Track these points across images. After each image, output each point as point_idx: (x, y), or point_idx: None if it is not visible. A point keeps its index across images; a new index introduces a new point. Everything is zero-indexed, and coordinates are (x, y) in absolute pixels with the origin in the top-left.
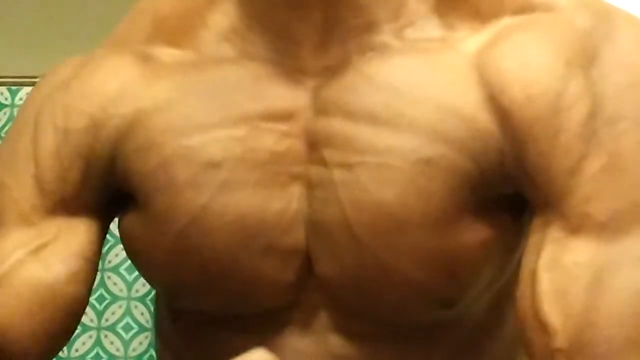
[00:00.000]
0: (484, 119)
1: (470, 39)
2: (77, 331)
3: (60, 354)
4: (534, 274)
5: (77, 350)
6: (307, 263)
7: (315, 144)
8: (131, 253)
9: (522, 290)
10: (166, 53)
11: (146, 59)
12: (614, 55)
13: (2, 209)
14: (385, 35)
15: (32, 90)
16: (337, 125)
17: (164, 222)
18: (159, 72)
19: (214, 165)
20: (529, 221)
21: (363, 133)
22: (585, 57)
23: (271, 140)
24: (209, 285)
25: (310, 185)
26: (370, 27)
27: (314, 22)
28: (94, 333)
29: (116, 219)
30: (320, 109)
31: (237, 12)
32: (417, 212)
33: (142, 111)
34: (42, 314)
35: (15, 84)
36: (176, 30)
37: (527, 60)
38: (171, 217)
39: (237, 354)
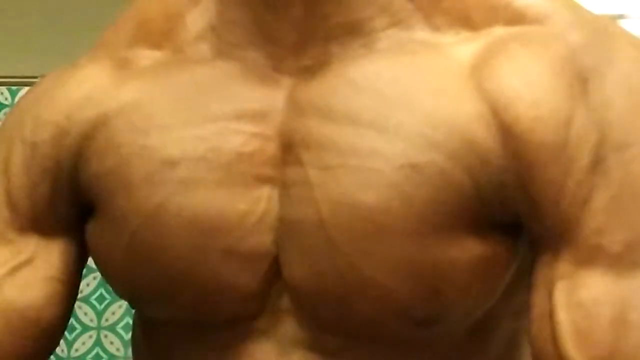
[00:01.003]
0: (482, 133)
1: (461, 46)
2: (77, 331)
3: (60, 354)
4: (551, 315)
5: (77, 350)
6: (275, 268)
7: (290, 146)
8: (94, 260)
9: (539, 331)
10: (145, 56)
11: (123, 65)
12: (615, 79)
13: None
14: (369, 35)
15: (14, 107)
16: (314, 126)
17: (119, 223)
18: (130, 75)
19: (171, 163)
20: (524, 248)
21: (343, 135)
22: (583, 79)
23: (238, 141)
24: (166, 290)
25: (284, 187)
26: (353, 26)
27: (293, 20)
28: (94, 333)
29: None
30: (296, 109)
31: (214, 9)
32: (399, 218)
33: (105, 114)
34: (12, 340)
35: (15, 83)
36: (158, 32)
37: (530, 78)
38: (126, 218)
39: None
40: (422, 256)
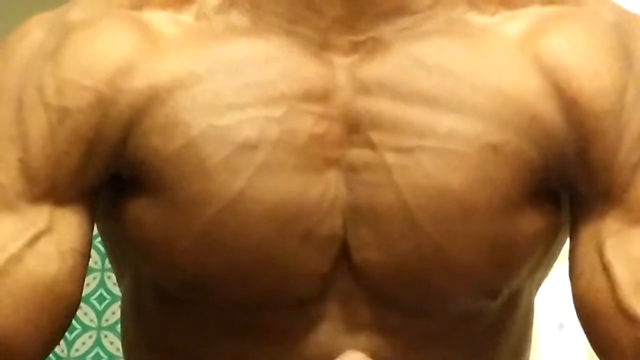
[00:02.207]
0: (546, 108)
1: (506, 25)
2: (77, 331)
3: (60, 353)
4: (606, 269)
5: (77, 350)
6: (342, 251)
7: (356, 126)
8: (141, 243)
9: (589, 284)
10: (165, 19)
11: (143, 26)
12: None
13: None
14: (416, 14)
15: (1, 49)
16: (385, 107)
17: (193, 208)
18: (169, 43)
19: (250, 147)
20: (570, 214)
21: (419, 116)
22: (629, 52)
23: (309, 122)
24: (243, 275)
25: (352, 170)
26: (401, 3)
27: None
28: (94, 333)
29: None
30: (361, 89)
31: None
32: (483, 198)
33: (160, 87)
34: (41, 316)
35: None
36: None
37: (587, 52)
38: (202, 203)
39: (257, 348)
40: (500, 232)
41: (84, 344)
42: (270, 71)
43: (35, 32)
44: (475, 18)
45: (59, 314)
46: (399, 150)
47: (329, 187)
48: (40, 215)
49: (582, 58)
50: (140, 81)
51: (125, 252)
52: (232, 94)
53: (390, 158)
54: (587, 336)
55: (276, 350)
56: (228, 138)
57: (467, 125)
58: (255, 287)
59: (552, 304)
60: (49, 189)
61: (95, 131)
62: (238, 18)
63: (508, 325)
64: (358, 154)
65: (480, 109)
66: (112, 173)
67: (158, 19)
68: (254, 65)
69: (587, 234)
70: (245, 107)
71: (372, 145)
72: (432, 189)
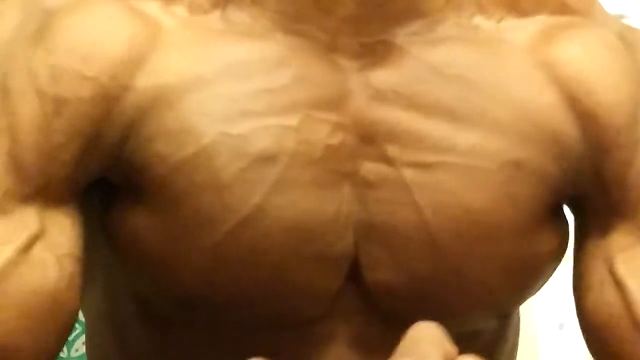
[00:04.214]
0: (563, 121)
1: (515, 32)
2: (77, 331)
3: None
4: (619, 283)
5: (77, 350)
6: (353, 269)
7: (370, 138)
8: (140, 256)
9: (600, 297)
10: (155, 8)
11: (138, 14)
12: None
13: None
14: (427, 16)
15: None
16: (402, 118)
17: (203, 222)
18: (166, 36)
19: (266, 158)
20: (576, 226)
21: (438, 129)
22: (636, 66)
23: (324, 132)
24: (248, 295)
25: (366, 185)
26: (413, 4)
27: None
28: None
29: None
30: (375, 96)
31: None
32: (507, 218)
33: (166, 87)
34: (43, 325)
35: None
36: None
37: (603, 63)
38: (214, 218)
39: None
40: (520, 252)
41: (84, 343)
42: (283, 76)
43: (7, 13)
44: (483, 23)
45: (61, 322)
46: (418, 165)
47: (342, 203)
48: (29, 217)
49: (600, 70)
50: (145, 79)
51: (99, 260)
52: (245, 100)
53: (409, 174)
54: (593, 347)
55: None
56: (243, 148)
57: (489, 140)
58: (262, 307)
59: (552, 304)
60: (41, 187)
61: (96, 126)
62: (236, 13)
63: (504, 336)
64: (372, 168)
65: (502, 123)
66: (102, 176)
67: (151, 8)
68: (265, 68)
69: (595, 247)
70: (259, 115)
71: (388, 160)
72: (454, 208)
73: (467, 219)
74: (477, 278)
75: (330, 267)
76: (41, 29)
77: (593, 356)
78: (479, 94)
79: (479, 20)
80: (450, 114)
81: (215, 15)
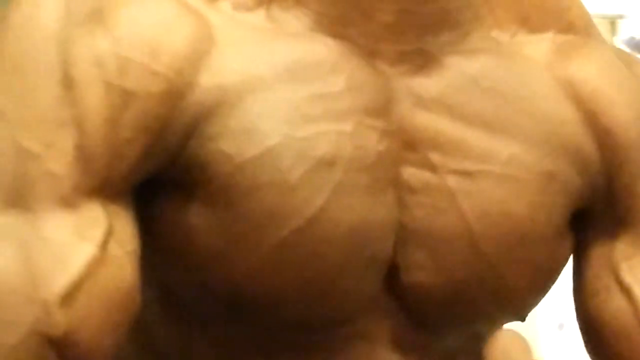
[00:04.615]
0: (584, 136)
1: (529, 47)
2: None
3: None
4: (627, 291)
5: None
6: (391, 272)
7: (412, 144)
8: (192, 254)
9: (608, 304)
10: (200, 4)
11: (191, 11)
12: None
13: (30, 182)
14: (457, 28)
15: (13, 23)
16: (445, 127)
17: (267, 222)
18: (219, 34)
19: (327, 163)
20: (579, 233)
21: (479, 139)
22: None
23: (375, 138)
24: (300, 297)
25: (408, 190)
26: (446, 15)
27: None
28: None
29: None
30: (418, 104)
31: None
32: (541, 226)
33: (228, 87)
34: (121, 325)
35: None
36: None
37: (617, 81)
38: (279, 218)
39: None
40: (547, 258)
41: None
42: (337, 82)
43: (46, 2)
44: (500, 37)
45: (130, 320)
46: (461, 173)
47: (389, 209)
48: (99, 212)
49: (615, 87)
50: (208, 77)
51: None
52: (305, 105)
53: (452, 181)
54: (596, 349)
55: None
56: (307, 152)
57: (524, 151)
58: (306, 307)
59: (552, 304)
60: (105, 182)
61: (161, 122)
62: (279, 13)
63: (487, 338)
64: (415, 174)
65: (534, 135)
66: (155, 173)
67: (197, 3)
68: (320, 73)
69: (600, 255)
70: (318, 120)
71: (431, 166)
72: (495, 215)
73: (507, 226)
74: (511, 282)
75: (374, 269)
76: (97, 17)
77: (593, 355)
78: (511, 107)
79: (495, 34)
80: (488, 125)
81: (260, 13)
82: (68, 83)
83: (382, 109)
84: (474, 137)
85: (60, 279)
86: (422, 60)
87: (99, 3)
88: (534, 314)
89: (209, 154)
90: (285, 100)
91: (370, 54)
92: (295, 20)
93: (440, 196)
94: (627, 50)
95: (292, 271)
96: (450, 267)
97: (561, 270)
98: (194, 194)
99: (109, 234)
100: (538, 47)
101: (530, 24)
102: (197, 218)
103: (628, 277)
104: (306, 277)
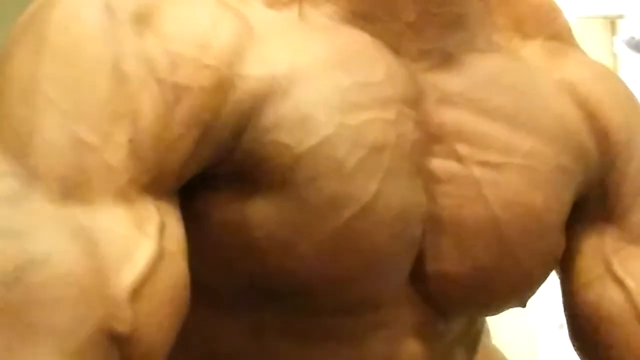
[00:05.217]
0: (585, 135)
1: (525, 51)
2: None
3: None
4: (620, 281)
5: None
6: (417, 259)
7: (439, 136)
8: (245, 246)
9: (602, 294)
10: (236, 1)
11: (229, 7)
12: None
13: (87, 174)
14: (467, 30)
15: (54, 17)
16: (470, 120)
17: (326, 210)
18: (259, 27)
19: (378, 149)
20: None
21: (502, 133)
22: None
23: (411, 127)
24: (349, 282)
25: (435, 180)
26: (461, 18)
27: None
28: None
29: None
30: (444, 98)
31: None
32: (556, 216)
33: (280, 77)
34: (177, 321)
35: None
36: None
37: (610, 85)
38: (338, 206)
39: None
40: (554, 247)
41: None
42: (377, 72)
43: (83, 8)
44: (500, 41)
45: (183, 319)
46: (487, 164)
47: (420, 196)
48: (151, 208)
49: (607, 91)
50: (258, 67)
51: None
52: (353, 93)
53: (478, 172)
54: (587, 341)
55: (337, 354)
56: (359, 139)
57: (542, 145)
58: (353, 293)
59: (552, 304)
60: (157, 177)
61: (215, 115)
62: (312, 10)
63: (484, 325)
64: (442, 165)
65: (549, 130)
66: (208, 167)
67: (232, 2)
68: (361, 63)
69: (590, 247)
70: (366, 108)
71: (458, 157)
72: (518, 205)
73: (527, 215)
74: (527, 269)
75: (407, 256)
76: (142, 17)
77: (579, 343)
78: (528, 103)
79: (496, 38)
80: (510, 119)
81: (294, 10)
82: (121, 78)
83: (414, 100)
84: (497, 131)
85: (128, 275)
86: (442, 58)
87: (142, 4)
88: (534, 314)
89: (267, 145)
90: (334, 89)
91: (395, 50)
92: (326, 17)
93: (466, 186)
94: (627, 50)
95: (345, 257)
96: (475, 255)
97: (559, 259)
98: (252, 186)
99: (162, 229)
100: (532, 51)
101: (524, 30)
102: (255, 210)
103: (620, 270)
104: (356, 262)
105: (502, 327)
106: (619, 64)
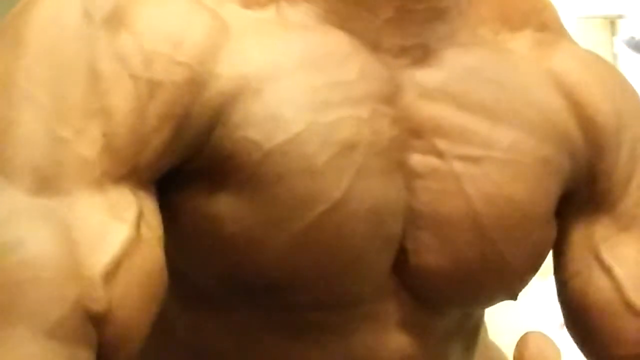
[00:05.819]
0: (571, 124)
1: (513, 43)
2: None
3: None
4: (609, 270)
5: None
6: (399, 254)
7: (418, 132)
8: (217, 242)
9: (590, 283)
10: (212, 1)
11: (200, 4)
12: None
13: (63, 166)
14: (449, 24)
15: (35, 17)
16: (449, 115)
17: (296, 207)
18: (234, 28)
19: (349, 147)
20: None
21: (483, 127)
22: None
23: (386, 124)
24: (323, 278)
25: (416, 175)
26: (442, 12)
27: None
28: None
29: None
30: (423, 94)
31: None
32: (539, 208)
33: (249, 75)
34: (153, 307)
35: None
36: None
37: (598, 75)
38: (308, 202)
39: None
40: (542, 239)
41: None
42: (351, 70)
43: (66, 6)
44: (486, 34)
45: (161, 302)
46: (467, 159)
47: (398, 192)
48: (129, 197)
49: (595, 80)
50: (228, 67)
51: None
52: (325, 91)
53: (458, 166)
54: (578, 325)
55: (322, 348)
56: (331, 136)
57: (523, 138)
58: (328, 288)
59: (553, 304)
60: (132, 169)
61: (186, 111)
62: (289, 10)
63: (483, 318)
64: (422, 160)
65: (531, 122)
66: (195, 164)
67: (208, 2)
68: (334, 62)
69: (581, 237)
70: (338, 106)
71: (438, 153)
72: (499, 198)
73: (509, 208)
74: (512, 262)
75: (387, 251)
76: (116, 17)
77: (573, 332)
78: (509, 96)
79: (481, 31)
80: (489, 113)
81: (271, 10)
82: (96, 76)
83: (391, 97)
84: (477, 125)
85: (101, 257)
86: (422, 53)
87: (115, 5)
88: (534, 314)
89: (236, 142)
90: (305, 87)
91: (374, 47)
92: (304, 15)
93: (446, 181)
94: (627, 50)
95: (317, 253)
96: (456, 249)
97: (549, 251)
98: (222, 182)
99: (140, 216)
100: (520, 42)
101: (511, 23)
102: (226, 205)
103: (608, 258)
104: (329, 258)
105: (502, 327)
106: (619, 64)
